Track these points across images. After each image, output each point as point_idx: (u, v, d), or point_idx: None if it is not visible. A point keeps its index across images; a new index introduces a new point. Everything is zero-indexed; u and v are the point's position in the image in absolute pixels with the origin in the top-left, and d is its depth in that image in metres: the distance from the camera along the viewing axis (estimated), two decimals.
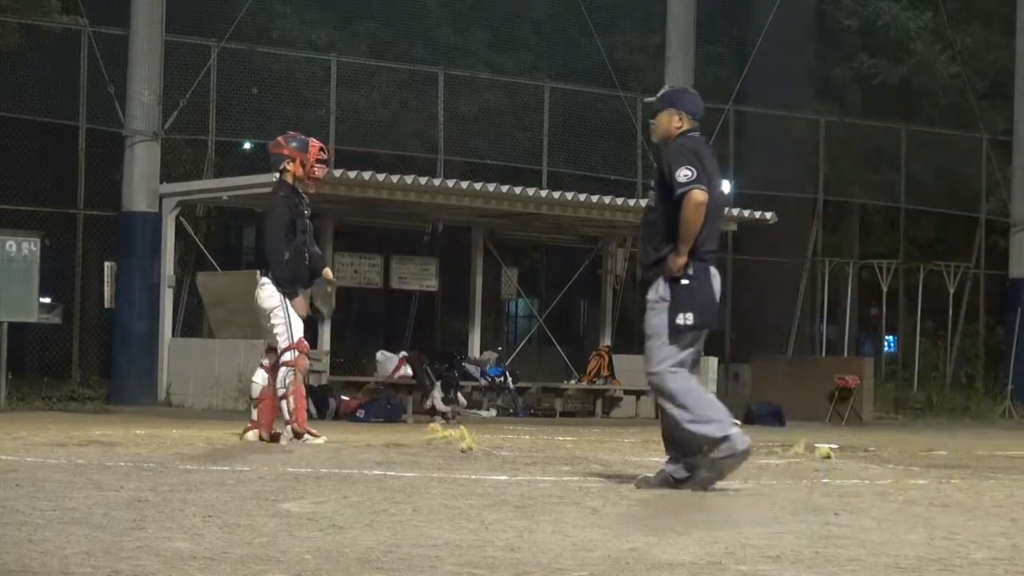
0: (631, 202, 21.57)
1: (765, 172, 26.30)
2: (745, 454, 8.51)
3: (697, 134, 8.85)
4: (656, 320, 8.58)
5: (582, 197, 20.79)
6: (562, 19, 25.96)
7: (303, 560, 5.41)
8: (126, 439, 12.33)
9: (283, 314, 12.07)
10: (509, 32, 25.94)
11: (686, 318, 8.47)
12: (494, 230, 22.70)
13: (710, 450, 8.46)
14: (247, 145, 24.70)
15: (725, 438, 8.45)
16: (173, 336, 20.81)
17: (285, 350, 12.03)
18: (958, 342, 27.53)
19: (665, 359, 8.59)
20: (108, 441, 11.99)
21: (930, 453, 13.94)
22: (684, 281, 8.48)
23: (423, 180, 19.67)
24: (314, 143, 12.56)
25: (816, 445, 12.75)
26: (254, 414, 12.37)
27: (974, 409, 25.30)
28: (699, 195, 8.40)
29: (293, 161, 12.33)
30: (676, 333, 8.50)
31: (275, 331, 12.10)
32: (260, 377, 12.29)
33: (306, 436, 12.02)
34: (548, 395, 22.11)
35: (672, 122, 8.76)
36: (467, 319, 22.48)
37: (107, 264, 21.01)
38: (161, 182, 20.93)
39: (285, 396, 11.99)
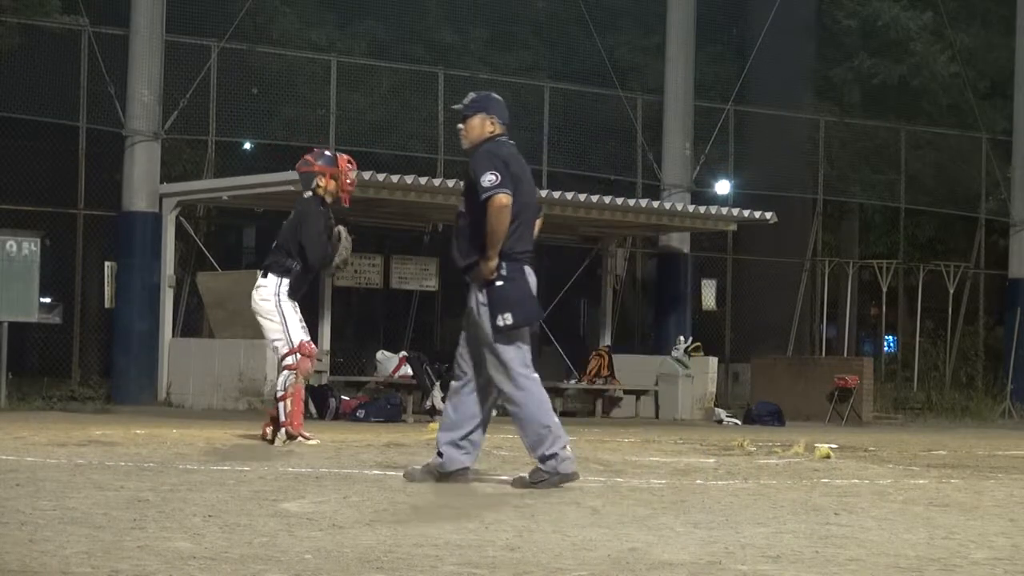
0: (631, 202, 21.57)
1: (765, 172, 26.30)
2: (567, 477, 8.60)
3: (505, 138, 8.83)
4: (484, 326, 8.65)
5: (582, 197, 20.79)
6: (562, 19, 25.95)
7: (303, 560, 5.41)
8: (126, 439, 12.33)
9: (278, 316, 12.05)
10: (509, 32, 25.94)
11: (505, 319, 8.53)
12: None
13: (545, 460, 8.57)
14: (247, 145, 24.71)
15: (549, 456, 8.54)
16: (173, 336, 20.81)
17: (287, 354, 12.04)
18: (958, 342, 27.53)
19: (509, 364, 8.61)
20: (108, 441, 11.99)
21: (930, 453, 13.94)
22: (498, 283, 8.54)
23: (423, 180, 19.66)
24: (342, 156, 12.56)
25: (816, 445, 12.75)
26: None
27: (974, 409, 25.29)
28: (502, 199, 8.46)
29: (324, 176, 12.29)
30: (498, 333, 8.52)
31: (271, 336, 12.09)
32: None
33: (299, 438, 12.01)
34: (548, 395, 22.06)
35: (485, 127, 8.81)
36: None
37: (107, 264, 21.01)
38: (161, 182, 20.92)
39: (283, 398, 11.99)
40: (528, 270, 8.69)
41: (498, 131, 8.78)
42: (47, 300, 20.77)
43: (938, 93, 27.66)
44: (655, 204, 22.14)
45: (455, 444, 8.74)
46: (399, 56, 24.15)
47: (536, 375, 8.73)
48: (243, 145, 24.58)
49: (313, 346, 12.34)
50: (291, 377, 11.98)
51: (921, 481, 10.17)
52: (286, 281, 12.08)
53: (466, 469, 8.78)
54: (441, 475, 8.72)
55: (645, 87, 25.53)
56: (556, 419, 8.75)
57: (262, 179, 20.15)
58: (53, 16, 21.37)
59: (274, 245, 12.37)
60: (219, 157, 22.18)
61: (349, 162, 12.48)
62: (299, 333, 12.07)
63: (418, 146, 24.06)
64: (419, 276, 22.61)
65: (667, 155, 24.54)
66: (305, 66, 23.45)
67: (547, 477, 8.52)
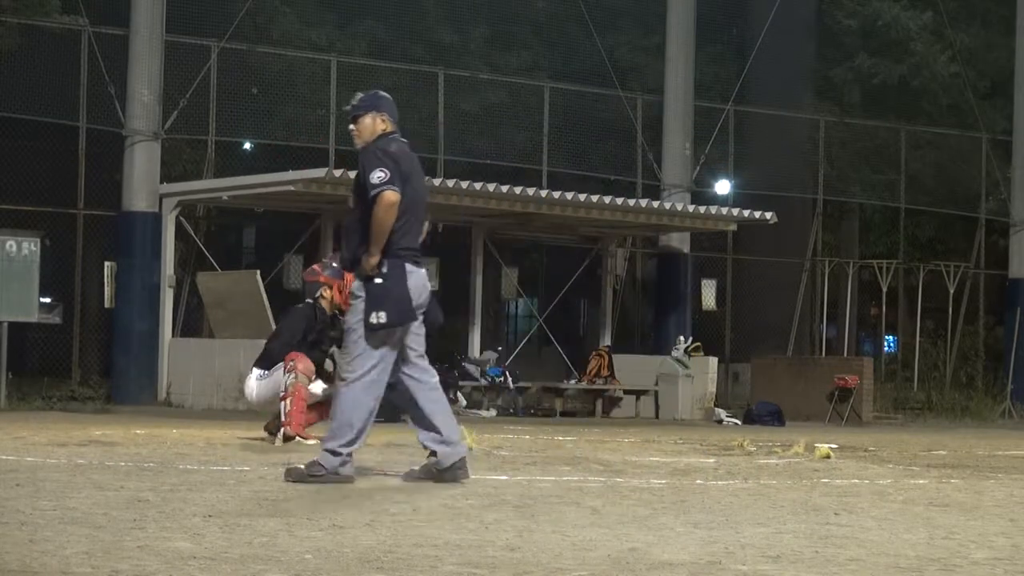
0: (631, 202, 21.57)
1: (765, 172, 26.30)
2: (445, 473, 8.67)
3: (397, 135, 8.85)
4: (351, 316, 8.68)
5: (582, 197, 20.79)
6: (562, 19, 25.94)
7: (303, 560, 5.41)
8: (126, 439, 12.33)
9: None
10: (509, 32, 25.93)
11: (379, 316, 8.51)
12: (494, 230, 22.70)
13: (327, 448, 8.58)
14: (247, 145, 24.70)
15: (338, 453, 8.56)
16: (173, 336, 20.81)
17: (287, 356, 12.13)
18: (958, 342, 27.52)
19: (353, 356, 8.62)
20: (108, 441, 11.99)
21: (930, 453, 13.94)
22: (377, 280, 8.53)
23: None
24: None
25: (816, 445, 12.75)
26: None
27: (974, 409, 25.29)
28: (391, 196, 8.48)
29: (330, 288, 12.38)
30: (370, 331, 8.53)
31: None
32: (317, 387, 12.38)
33: (297, 438, 12.02)
34: (548, 395, 22.11)
35: (376, 125, 8.78)
36: (467, 319, 22.48)
37: (107, 264, 21.00)
38: (161, 182, 20.92)
39: (284, 398, 12.01)
40: (412, 268, 8.63)
41: (389, 128, 8.80)
42: (47, 300, 20.76)
43: (938, 93, 27.65)
44: (655, 204, 22.14)
45: (441, 441, 8.73)
46: (399, 56, 24.15)
47: (382, 384, 8.65)
48: (243, 145, 24.57)
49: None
50: (290, 377, 12.00)
51: (921, 481, 10.17)
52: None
53: (464, 459, 8.79)
54: (440, 472, 8.71)
55: (645, 87, 25.53)
56: (367, 427, 8.69)
57: (262, 179, 20.15)
58: (53, 16, 21.37)
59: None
60: (219, 157, 22.17)
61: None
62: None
63: (418, 146, 23.93)
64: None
65: (667, 155, 24.54)
66: (305, 66, 23.44)
67: (324, 473, 8.48)
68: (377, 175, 8.51)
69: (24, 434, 12.68)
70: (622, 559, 5.70)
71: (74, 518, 6.43)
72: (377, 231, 8.47)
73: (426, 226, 9.03)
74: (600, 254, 23.87)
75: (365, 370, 8.60)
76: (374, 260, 8.50)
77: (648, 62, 25.64)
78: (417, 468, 8.89)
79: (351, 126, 8.87)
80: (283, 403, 12.01)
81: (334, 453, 8.57)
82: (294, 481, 8.45)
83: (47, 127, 21.37)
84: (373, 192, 8.48)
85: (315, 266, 12.90)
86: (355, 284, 8.67)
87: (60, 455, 10.30)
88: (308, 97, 23.46)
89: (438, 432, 8.81)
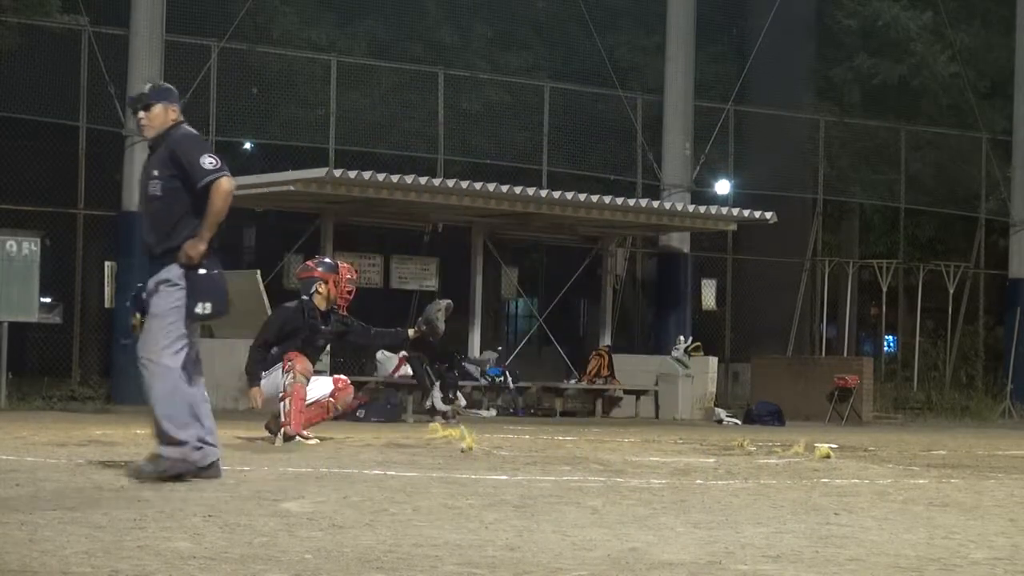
0: (631, 202, 21.57)
1: (765, 172, 26.30)
2: (202, 471, 8.35)
3: (185, 124, 8.77)
4: (163, 301, 8.44)
5: (582, 197, 20.79)
6: (562, 19, 25.94)
7: (303, 560, 5.41)
8: (126, 439, 12.33)
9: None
10: (509, 32, 25.93)
11: (204, 307, 8.43)
12: (494, 230, 22.70)
13: (165, 445, 8.34)
14: (247, 145, 24.69)
15: (185, 442, 8.33)
16: None
17: (287, 358, 12.14)
18: (958, 342, 27.53)
19: (168, 343, 8.42)
20: (108, 441, 11.99)
21: (930, 453, 13.94)
22: (202, 270, 8.43)
23: (423, 180, 19.67)
24: (343, 265, 12.72)
25: (816, 445, 12.75)
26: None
27: (974, 409, 25.30)
28: (228, 183, 8.47)
29: (325, 283, 12.39)
30: (192, 320, 8.43)
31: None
32: (320, 387, 12.42)
33: (297, 438, 12.02)
34: (548, 395, 22.10)
35: (168, 115, 8.70)
36: (467, 319, 22.47)
37: (107, 264, 21.00)
38: None
39: (283, 398, 12.01)
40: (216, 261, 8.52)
41: (180, 119, 8.74)
42: (47, 300, 20.75)
43: (938, 93, 27.65)
44: (655, 204, 22.14)
45: (203, 440, 8.47)
46: (399, 56, 24.15)
47: (187, 372, 8.47)
48: (243, 145, 24.57)
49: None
50: (289, 377, 12.00)
51: (921, 481, 10.17)
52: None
53: (218, 459, 8.55)
54: (200, 469, 8.42)
55: (645, 87, 25.53)
56: (202, 411, 8.49)
57: (262, 179, 20.14)
58: (53, 16, 21.37)
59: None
60: (219, 157, 22.15)
61: (349, 271, 12.63)
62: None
63: (418, 146, 24.06)
64: (419, 276, 22.61)
65: (667, 155, 24.54)
66: (305, 66, 23.44)
67: (169, 466, 8.25)
68: (208, 160, 8.44)
69: (24, 434, 12.69)
70: (622, 559, 5.70)
71: (74, 518, 6.43)
72: (214, 219, 8.39)
73: None
74: (600, 254, 23.86)
75: (177, 358, 8.38)
76: (203, 248, 8.37)
77: (648, 62, 25.63)
78: (143, 461, 8.48)
79: (140, 114, 8.70)
80: (282, 403, 12.01)
81: (177, 442, 8.28)
82: (137, 478, 8.20)
83: (47, 127, 21.37)
84: (209, 178, 8.38)
85: (308, 262, 12.90)
86: (172, 272, 8.42)
87: (60, 455, 10.30)
88: (308, 97, 23.46)
89: (208, 425, 8.58)
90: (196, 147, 8.56)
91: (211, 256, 8.49)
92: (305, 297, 12.49)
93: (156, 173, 8.60)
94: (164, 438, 8.35)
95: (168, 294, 8.43)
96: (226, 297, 8.61)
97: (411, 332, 12.92)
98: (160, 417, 8.36)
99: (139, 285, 8.69)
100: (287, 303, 12.85)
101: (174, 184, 8.49)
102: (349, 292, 12.58)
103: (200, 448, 8.37)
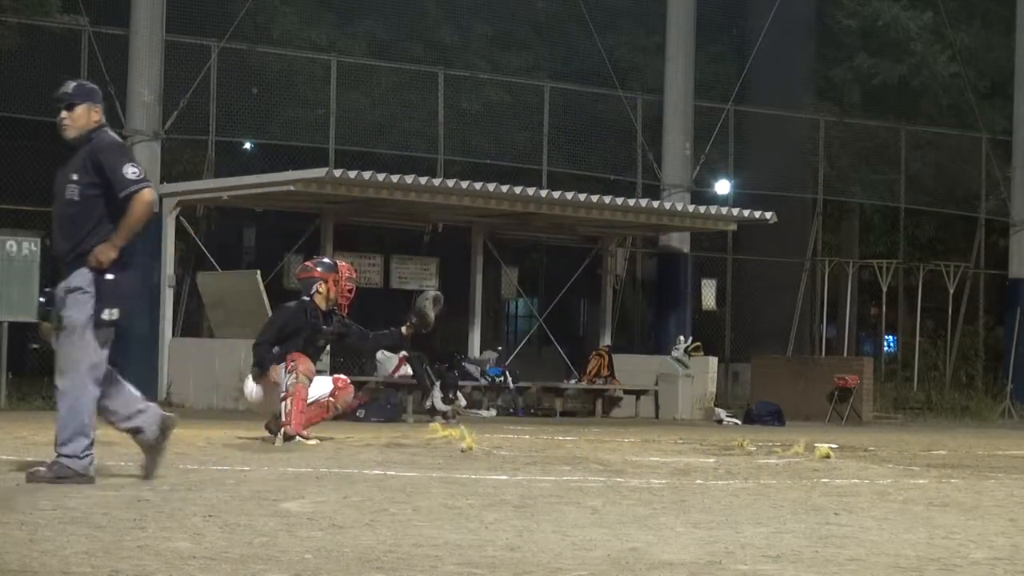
0: (631, 202, 21.57)
1: (765, 172, 26.30)
2: (82, 478, 8.26)
3: (108, 128, 8.66)
4: (77, 314, 8.33)
5: (582, 197, 20.79)
6: (562, 19, 25.94)
7: (303, 560, 5.42)
8: (126, 439, 12.31)
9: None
10: (509, 32, 25.94)
11: (112, 313, 8.34)
12: (494, 230, 22.70)
13: (65, 454, 8.29)
14: (247, 145, 24.69)
15: (84, 455, 8.28)
16: (173, 336, 20.80)
17: (289, 358, 12.14)
18: (958, 342, 27.53)
19: (85, 359, 8.34)
20: (108, 441, 11.97)
21: (930, 453, 13.94)
22: (109, 276, 8.32)
23: (423, 180, 19.67)
24: (343, 264, 12.72)
25: (816, 445, 12.75)
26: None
27: (974, 409, 25.30)
28: (149, 194, 8.34)
29: (325, 283, 12.39)
30: (99, 327, 8.34)
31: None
32: (320, 386, 12.43)
33: (298, 438, 12.01)
34: (548, 395, 22.10)
35: (91, 116, 8.59)
36: (467, 319, 22.48)
37: None
38: (161, 182, 20.91)
39: (285, 398, 12.01)
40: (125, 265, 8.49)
41: (102, 121, 8.64)
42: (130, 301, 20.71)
43: (938, 93, 27.65)
44: (655, 204, 22.14)
45: (91, 449, 8.39)
46: (399, 56, 24.15)
47: (99, 382, 8.42)
48: (243, 145, 24.57)
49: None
50: (291, 377, 12.00)
51: (921, 481, 10.17)
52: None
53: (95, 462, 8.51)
54: (84, 476, 8.33)
55: (645, 87, 25.53)
56: (95, 419, 8.43)
57: (262, 179, 20.15)
58: (53, 16, 21.36)
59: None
60: (219, 157, 22.17)
61: (349, 270, 12.63)
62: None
63: (418, 146, 24.06)
64: (419, 276, 22.61)
65: (667, 155, 24.55)
66: (305, 66, 23.44)
67: (72, 474, 8.19)
68: (132, 170, 8.32)
69: (24, 434, 12.69)
70: (622, 559, 5.70)
71: (74, 518, 6.43)
72: (131, 229, 8.27)
73: None
74: (600, 254, 23.86)
75: (88, 366, 8.32)
76: (114, 255, 8.27)
77: (648, 62, 25.64)
78: (44, 469, 8.36)
79: (63, 113, 8.59)
80: (284, 403, 12.01)
81: (79, 457, 8.26)
82: (39, 481, 8.13)
83: (47, 127, 21.29)
84: (131, 189, 8.25)
85: (307, 263, 12.90)
86: (82, 278, 8.31)
87: None
88: (308, 97, 23.46)
89: (92, 430, 8.50)
90: (120, 155, 8.43)
91: (120, 263, 8.35)
92: (306, 298, 12.49)
93: (75, 177, 8.44)
94: (66, 447, 8.31)
95: (80, 305, 8.31)
96: (134, 302, 8.53)
97: (404, 329, 12.91)
98: (64, 427, 8.32)
99: (47, 290, 8.59)
100: (288, 303, 12.85)
101: (92, 191, 8.35)
102: (349, 291, 12.59)
103: (89, 455, 8.34)
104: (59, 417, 8.38)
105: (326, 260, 13.07)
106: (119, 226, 8.28)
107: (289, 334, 12.31)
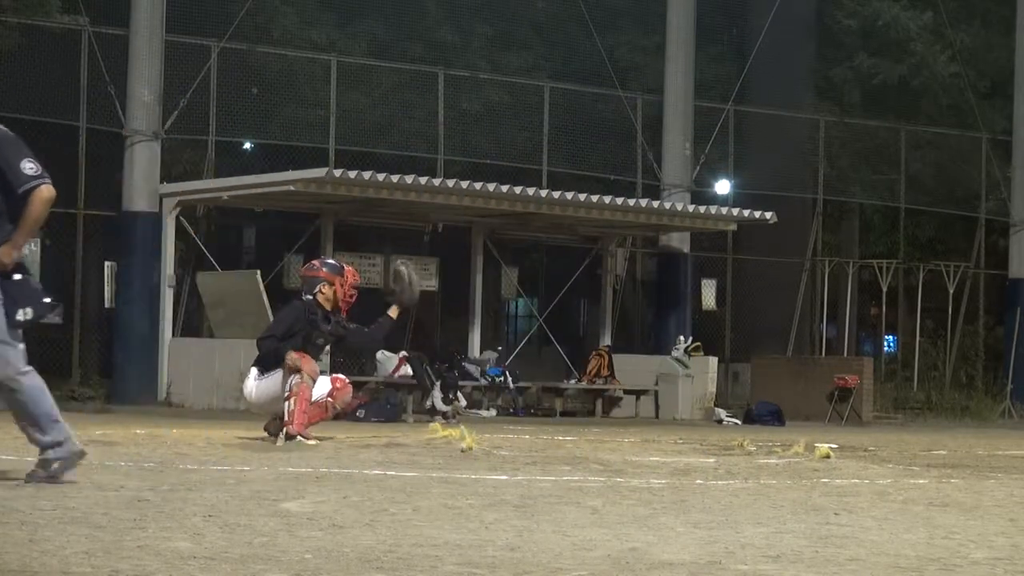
0: (631, 202, 21.57)
1: (765, 172, 26.30)
2: (80, 455, 8.26)
3: None
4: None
5: (582, 197, 20.79)
6: (562, 19, 25.95)
7: (303, 560, 5.41)
8: (126, 439, 12.33)
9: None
10: (509, 32, 25.94)
11: (26, 312, 8.22)
12: (494, 230, 22.70)
13: (48, 448, 8.22)
14: (247, 145, 24.69)
15: (62, 440, 8.20)
16: (173, 336, 20.80)
17: (295, 354, 12.12)
18: (958, 342, 27.53)
19: (13, 361, 8.21)
20: (108, 441, 11.98)
21: (930, 453, 13.94)
22: (17, 276, 8.19)
23: (423, 180, 19.67)
24: (348, 268, 12.66)
25: (816, 445, 12.75)
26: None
27: (974, 409, 25.30)
28: (49, 191, 8.07)
29: (330, 284, 12.36)
30: (14, 327, 8.21)
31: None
32: (321, 386, 12.42)
33: (299, 438, 11.99)
34: (548, 395, 22.11)
35: None
36: (467, 319, 22.48)
37: (107, 264, 21.00)
38: (161, 182, 20.92)
39: (288, 397, 12.00)
40: None
41: None
42: (47, 300, 20.70)
43: (938, 93, 27.65)
44: (655, 204, 22.15)
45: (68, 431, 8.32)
46: (399, 55, 24.15)
47: (31, 370, 8.30)
48: (243, 145, 24.56)
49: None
50: (296, 377, 12.00)
51: (921, 481, 10.17)
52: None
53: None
54: (78, 456, 8.33)
55: (645, 87, 25.53)
56: (52, 400, 8.32)
57: (262, 179, 20.16)
58: (53, 16, 21.37)
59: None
60: (219, 157, 22.17)
61: (354, 275, 12.62)
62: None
63: (418, 146, 24.06)
64: (419, 276, 22.59)
65: (667, 155, 24.55)
66: (305, 66, 23.45)
67: (65, 459, 8.14)
68: (29, 166, 8.04)
69: (24, 434, 12.66)
70: (622, 559, 5.70)
71: (74, 518, 6.43)
72: (33, 225, 8.10)
73: None
74: (600, 254, 23.87)
75: (29, 368, 8.21)
76: (16, 255, 8.13)
77: (648, 62, 25.64)
78: (39, 470, 8.28)
79: None
80: (287, 402, 12.00)
81: (62, 443, 8.18)
82: (37, 482, 8.09)
83: (47, 127, 21.35)
84: (30, 185, 8.01)
85: (314, 261, 12.89)
86: None
87: None
88: (308, 97, 23.46)
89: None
90: (16, 150, 8.13)
91: (21, 259, 8.23)
92: (308, 296, 12.47)
93: None
94: (43, 443, 8.26)
95: None
96: (44, 300, 8.37)
97: (391, 311, 12.83)
98: (33, 426, 8.26)
99: None
100: (295, 301, 12.81)
101: None
102: (351, 297, 12.57)
103: (67, 437, 8.25)
104: (22, 419, 8.26)
105: (332, 262, 13.04)
106: (19, 225, 8.04)
107: (292, 332, 12.30)
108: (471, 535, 6.28)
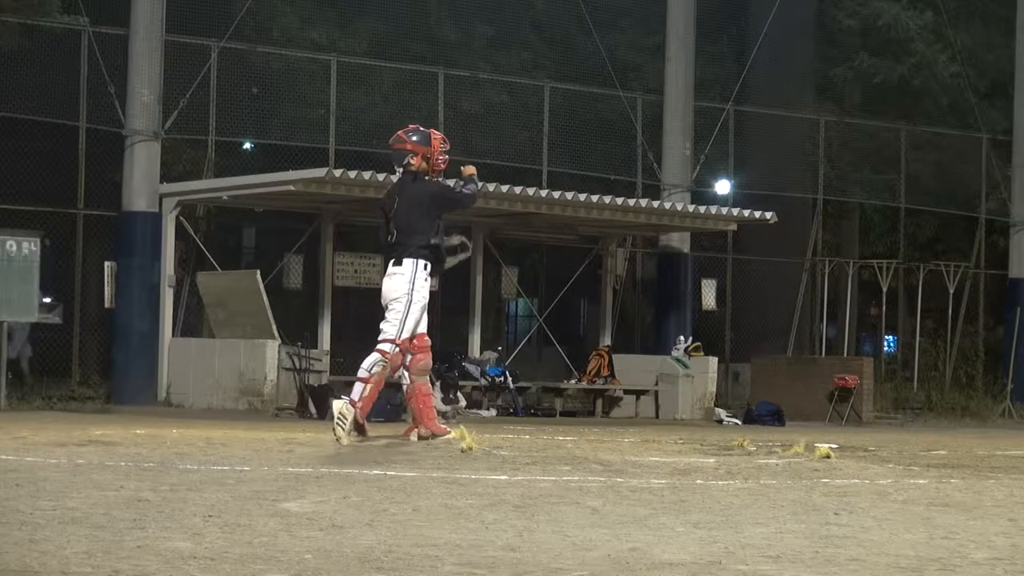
0: (631, 202, 21.57)
1: (765, 172, 26.30)
2: None
3: None
4: None
5: (582, 197, 20.79)
6: (562, 19, 25.95)
7: (303, 560, 5.42)
8: (126, 439, 12.33)
9: (403, 309, 12.08)
10: (509, 32, 25.94)
11: None
12: (494, 230, 22.69)
13: None
14: (247, 145, 24.68)
15: None
16: (173, 336, 20.80)
17: (387, 340, 12.06)
18: (958, 342, 27.53)
19: None
20: (108, 441, 11.98)
21: (930, 453, 13.94)
22: None
23: None
24: (435, 134, 12.53)
25: (816, 445, 12.75)
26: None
27: (974, 409, 25.30)
28: None
29: (416, 156, 12.28)
30: None
31: (387, 319, 12.13)
32: (405, 376, 12.39)
33: (353, 431, 11.98)
34: (548, 395, 22.10)
35: None
36: (467, 319, 22.48)
37: (107, 264, 21.00)
38: (161, 182, 20.92)
39: (366, 380, 11.97)
40: None
41: None
42: (47, 300, 20.74)
43: (938, 93, 27.66)
44: (655, 204, 22.14)
45: None
46: (399, 55, 24.15)
47: None
48: (243, 145, 24.56)
49: (424, 339, 12.38)
50: (378, 365, 12.00)
51: (921, 481, 10.17)
52: (423, 264, 12.18)
53: None
54: None
55: (645, 87, 25.53)
56: None
57: (262, 179, 20.14)
58: (53, 16, 21.35)
59: (397, 233, 12.29)
60: (219, 157, 22.17)
61: (443, 142, 12.48)
62: (410, 330, 12.16)
63: None
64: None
65: (667, 155, 24.55)
66: (305, 66, 23.44)
67: None
68: None
69: (24, 434, 12.68)
70: (622, 559, 5.70)
71: (74, 518, 6.43)
72: None
73: None
74: (600, 254, 23.87)
75: None
76: None
77: (648, 62, 25.64)
78: None
79: None
80: (360, 385, 12.00)
81: None
82: None
83: (47, 127, 21.36)
84: None
85: (400, 133, 12.54)
86: None
87: (60, 455, 10.30)
88: (308, 97, 23.45)
89: None
90: None
91: None
92: (399, 168, 12.37)
93: None
94: None
95: None
96: None
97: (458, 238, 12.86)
98: None
99: None
100: (401, 178, 12.48)
101: None
102: (443, 163, 12.46)
103: None
104: None
105: (422, 130, 12.77)
106: None
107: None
108: (471, 535, 6.28)
